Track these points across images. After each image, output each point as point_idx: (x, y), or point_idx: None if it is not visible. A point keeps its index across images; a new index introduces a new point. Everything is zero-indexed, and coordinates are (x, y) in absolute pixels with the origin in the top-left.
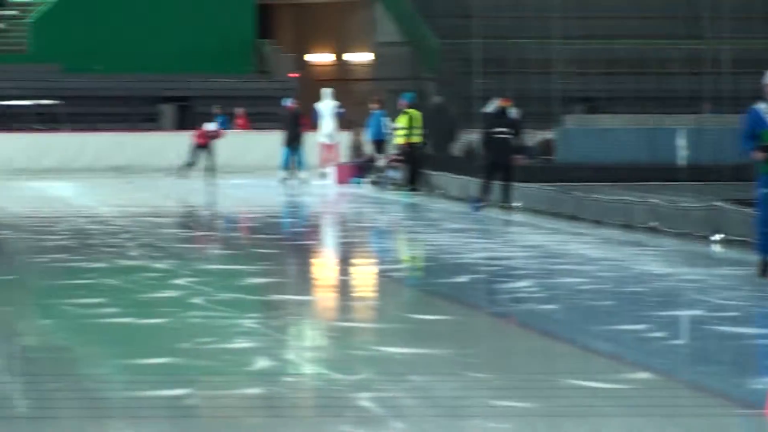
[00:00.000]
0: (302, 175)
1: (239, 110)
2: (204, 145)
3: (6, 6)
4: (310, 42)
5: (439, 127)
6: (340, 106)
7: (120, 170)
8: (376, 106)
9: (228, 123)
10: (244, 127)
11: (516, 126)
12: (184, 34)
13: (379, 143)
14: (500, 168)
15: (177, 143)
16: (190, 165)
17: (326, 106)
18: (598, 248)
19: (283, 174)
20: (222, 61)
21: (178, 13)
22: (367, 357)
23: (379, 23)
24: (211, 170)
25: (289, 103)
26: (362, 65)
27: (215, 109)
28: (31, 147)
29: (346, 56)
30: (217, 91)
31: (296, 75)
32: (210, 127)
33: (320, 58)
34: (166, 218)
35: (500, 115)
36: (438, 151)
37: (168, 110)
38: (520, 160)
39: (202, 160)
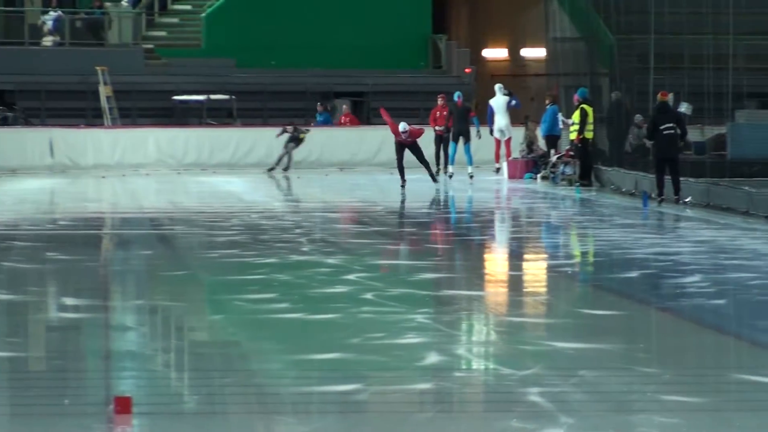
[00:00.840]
0: (470, 170)
1: (345, 107)
2: (406, 143)
3: (180, 1)
4: (485, 37)
5: (617, 122)
6: (513, 98)
7: (293, 165)
8: (549, 101)
9: (330, 120)
10: (353, 123)
11: (680, 120)
12: (358, 29)
13: (553, 138)
14: (667, 162)
15: (350, 138)
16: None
17: (499, 101)
18: None
19: (450, 169)
20: (397, 56)
21: (353, 8)
22: (536, 352)
23: (554, 18)
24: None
25: (457, 98)
26: (536, 60)
27: (319, 107)
28: (204, 142)
29: (520, 51)
30: (391, 86)
31: (471, 70)
32: (401, 127)
33: (495, 53)
34: (337, 213)
35: (664, 110)
36: (613, 146)
37: (342, 105)
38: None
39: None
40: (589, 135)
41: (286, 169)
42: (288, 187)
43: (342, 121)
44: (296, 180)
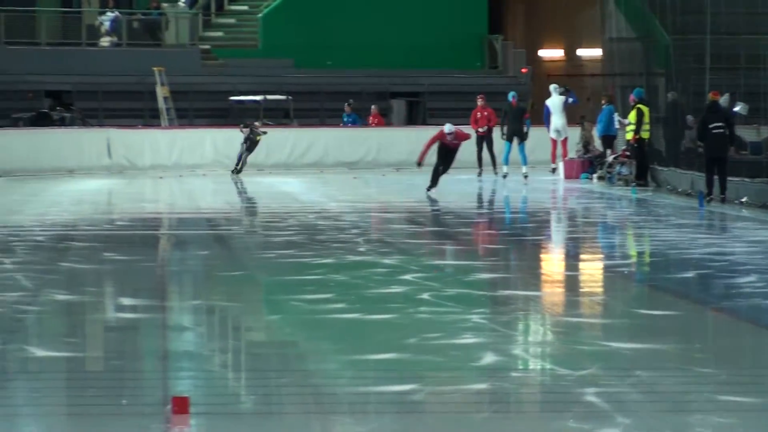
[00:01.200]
0: (525, 170)
1: (373, 108)
2: (451, 146)
3: (237, 1)
4: (541, 37)
5: (673, 123)
6: (570, 95)
7: (349, 166)
8: (605, 101)
9: (359, 121)
10: (379, 124)
11: (729, 120)
12: (414, 29)
13: (609, 138)
14: (715, 162)
15: (407, 138)
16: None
17: (555, 101)
18: None
19: (505, 169)
20: (452, 56)
21: (410, 8)
22: (593, 352)
23: (610, 19)
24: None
25: (511, 98)
26: (593, 61)
27: (347, 107)
28: (261, 142)
29: (576, 51)
30: (447, 87)
31: (527, 70)
32: (447, 129)
33: (551, 53)
34: (394, 213)
35: (714, 109)
36: (669, 146)
37: (398, 106)
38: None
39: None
40: (645, 135)
41: (238, 171)
42: (343, 188)
43: (371, 121)
44: (352, 180)
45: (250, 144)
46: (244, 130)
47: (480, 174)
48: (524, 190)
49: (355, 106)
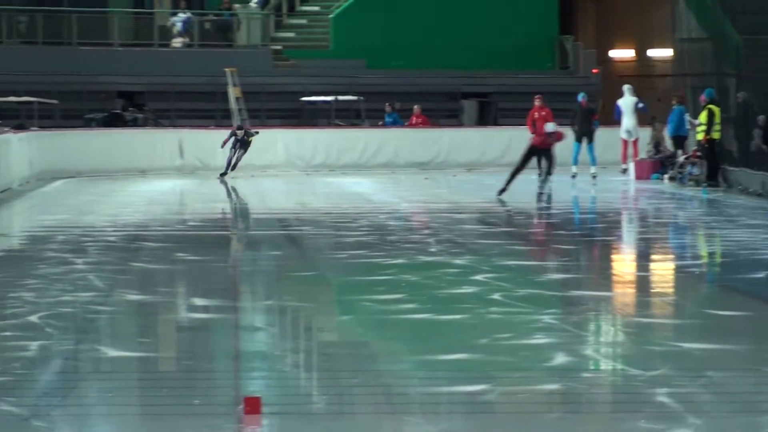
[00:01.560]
0: (593, 170)
1: (416, 107)
2: (542, 146)
3: (308, 2)
4: (612, 38)
5: (744, 123)
6: (640, 101)
7: (420, 166)
8: (676, 101)
9: (399, 121)
10: (423, 124)
11: None
12: (485, 30)
13: (680, 139)
14: None
15: (478, 139)
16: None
17: (627, 102)
18: None
19: (574, 170)
20: (523, 57)
21: (480, 9)
22: (664, 352)
23: (681, 19)
24: (546, 174)
25: (581, 98)
26: (663, 61)
27: (387, 107)
28: (332, 143)
29: (647, 52)
30: (517, 87)
31: (598, 71)
32: (549, 128)
33: (621, 54)
34: (465, 214)
35: None
36: (740, 147)
37: (469, 106)
38: None
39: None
40: (716, 135)
41: (224, 173)
42: (414, 189)
43: (413, 121)
44: (423, 181)
45: (243, 144)
46: (238, 132)
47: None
48: (593, 190)
49: (426, 107)
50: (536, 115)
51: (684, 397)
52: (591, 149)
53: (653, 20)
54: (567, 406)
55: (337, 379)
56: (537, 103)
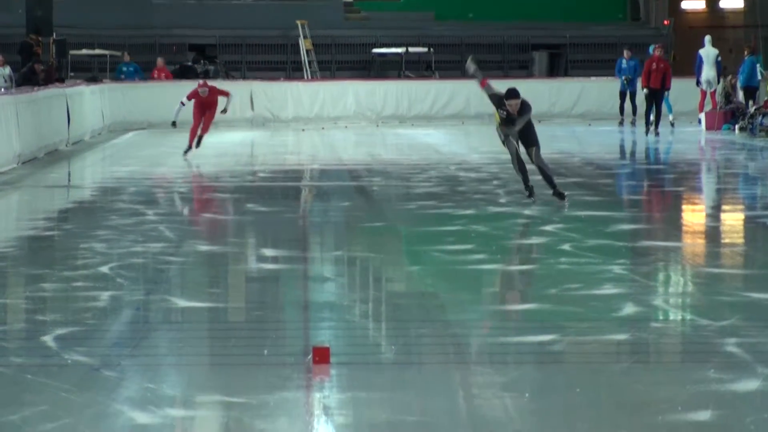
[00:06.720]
0: (671, 118)
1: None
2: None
3: None
4: None
5: None
6: (719, 56)
7: (491, 117)
8: (748, 52)
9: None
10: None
11: None
12: None
13: (751, 90)
14: None
15: (548, 90)
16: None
17: (708, 52)
18: None
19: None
20: (594, 8)
21: None
22: (733, 303)
23: None
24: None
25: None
26: (735, 12)
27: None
28: (402, 94)
29: (719, 3)
30: (588, 39)
31: (669, 22)
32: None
33: (693, 5)
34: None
35: None
36: None
37: (540, 58)
38: None
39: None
40: None
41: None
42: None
43: (155, 75)
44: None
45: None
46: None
47: (621, 123)
48: (666, 140)
49: (496, 59)
50: (653, 65)
51: (753, 347)
52: (666, 99)
53: None
54: (635, 356)
55: (406, 329)
56: (657, 53)
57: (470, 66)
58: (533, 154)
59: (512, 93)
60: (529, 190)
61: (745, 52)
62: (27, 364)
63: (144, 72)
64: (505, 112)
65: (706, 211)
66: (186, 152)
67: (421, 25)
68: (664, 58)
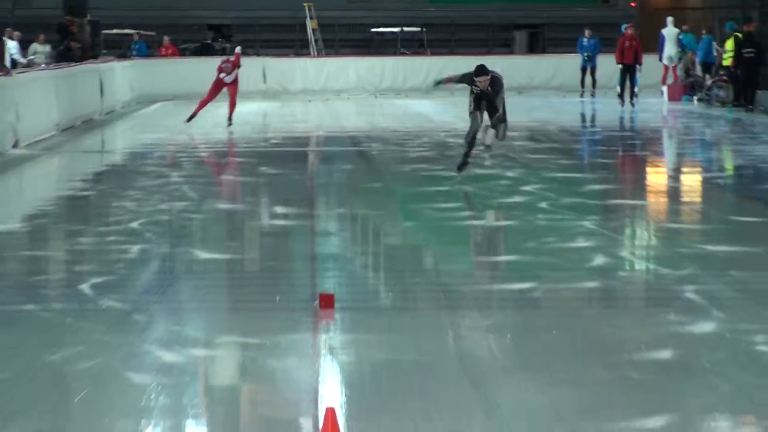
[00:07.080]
0: (635, 90)
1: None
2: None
3: None
4: None
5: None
6: (680, 34)
7: None
8: (705, 31)
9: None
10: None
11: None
12: None
13: (708, 65)
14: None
15: (527, 66)
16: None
17: (670, 31)
18: None
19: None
20: None
21: None
22: (691, 254)
23: None
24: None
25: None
26: None
27: None
28: (398, 69)
29: None
30: (564, 20)
31: (635, 4)
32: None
33: None
34: (516, 132)
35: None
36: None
37: (520, 37)
38: None
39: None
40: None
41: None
42: None
43: (162, 51)
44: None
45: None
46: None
47: (582, 95)
48: (631, 111)
49: (481, 37)
50: (626, 43)
51: (709, 294)
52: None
53: None
54: (605, 302)
55: (401, 278)
56: (629, 32)
57: (431, 86)
58: (494, 117)
59: (480, 70)
60: (462, 166)
61: (703, 32)
62: (66, 309)
63: (149, 49)
64: (478, 88)
65: (668, 172)
66: (188, 120)
67: (415, 7)
68: (635, 36)
